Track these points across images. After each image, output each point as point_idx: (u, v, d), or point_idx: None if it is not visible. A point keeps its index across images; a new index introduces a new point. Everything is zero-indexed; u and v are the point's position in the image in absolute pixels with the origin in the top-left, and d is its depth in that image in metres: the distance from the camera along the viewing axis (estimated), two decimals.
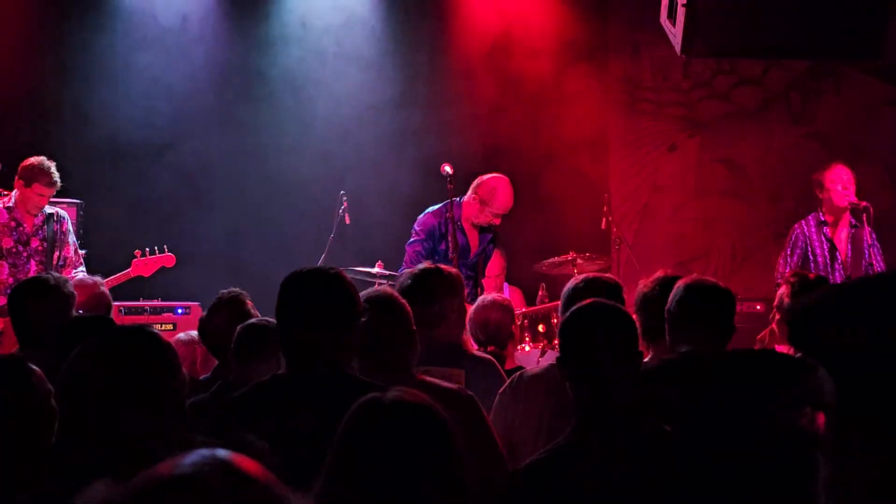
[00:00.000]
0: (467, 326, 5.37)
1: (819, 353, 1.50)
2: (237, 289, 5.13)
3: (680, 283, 4.00)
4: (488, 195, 7.50)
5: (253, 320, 4.56)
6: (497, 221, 7.66)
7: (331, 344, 3.27)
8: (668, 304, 3.95)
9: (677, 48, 7.07)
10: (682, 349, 3.87)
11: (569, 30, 10.40)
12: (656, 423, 3.13)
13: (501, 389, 4.18)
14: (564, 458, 3.04)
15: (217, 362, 5.01)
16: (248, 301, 5.06)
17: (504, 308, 5.57)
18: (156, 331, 2.73)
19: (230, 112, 10.29)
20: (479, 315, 5.51)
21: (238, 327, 4.54)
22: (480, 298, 5.67)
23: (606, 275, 4.41)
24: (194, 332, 6.06)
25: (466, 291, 6.96)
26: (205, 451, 1.41)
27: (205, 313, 5.17)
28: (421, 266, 4.76)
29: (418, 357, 3.94)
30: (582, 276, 4.35)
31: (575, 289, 4.27)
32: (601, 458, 3.01)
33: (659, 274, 4.45)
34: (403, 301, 3.91)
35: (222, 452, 1.41)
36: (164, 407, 2.58)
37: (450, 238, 7.34)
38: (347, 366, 3.30)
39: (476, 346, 5.43)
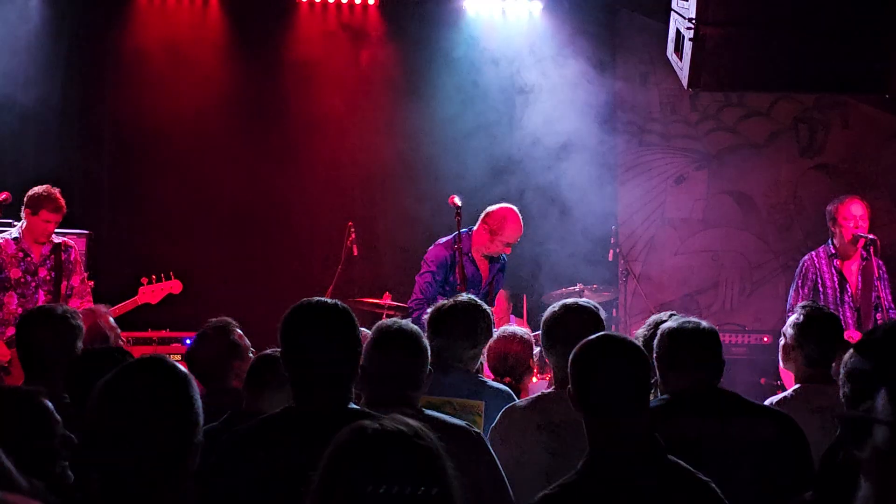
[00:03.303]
0: (485, 354, 5.43)
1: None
2: (225, 317, 5.13)
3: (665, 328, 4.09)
4: (498, 225, 7.52)
5: (268, 351, 4.55)
6: (507, 251, 7.68)
7: (337, 377, 3.26)
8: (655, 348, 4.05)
9: (684, 81, 7.08)
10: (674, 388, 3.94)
11: (577, 62, 10.43)
12: (668, 458, 3.12)
13: (492, 428, 4.16)
14: (577, 492, 3.02)
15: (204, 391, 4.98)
16: (236, 330, 5.05)
17: (525, 342, 5.56)
18: (176, 363, 2.75)
19: (239, 142, 10.33)
20: (499, 346, 5.51)
21: (254, 358, 4.53)
22: (502, 329, 5.67)
23: (583, 300, 4.43)
24: None
25: None
26: None
27: (191, 343, 5.16)
28: (464, 300, 4.79)
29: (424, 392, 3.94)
30: (560, 303, 4.36)
31: (554, 316, 4.28)
32: (613, 492, 2.99)
33: (654, 317, 4.50)
34: (426, 341, 3.89)
35: None
36: (182, 439, 2.61)
37: (458, 270, 7.35)
38: (351, 399, 3.29)
39: (492, 376, 5.46)
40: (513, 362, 5.45)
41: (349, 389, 3.29)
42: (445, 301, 4.81)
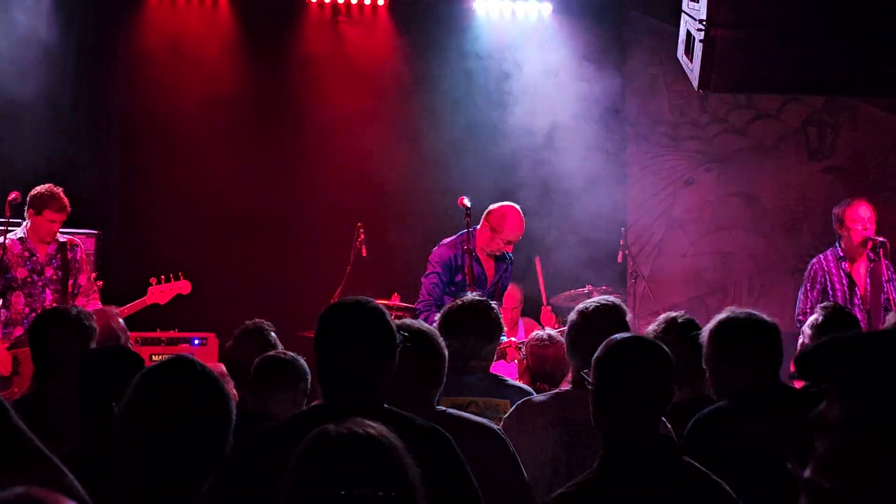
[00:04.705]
0: (527, 360, 5.48)
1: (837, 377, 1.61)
2: (261, 320, 5.16)
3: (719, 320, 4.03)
4: (498, 222, 7.54)
5: (271, 352, 4.57)
6: (508, 249, 7.69)
7: (369, 376, 3.25)
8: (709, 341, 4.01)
9: (694, 83, 7.08)
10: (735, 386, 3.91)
11: (586, 64, 10.42)
12: (684, 458, 3.12)
13: (505, 417, 4.17)
14: (592, 491, 3.03)
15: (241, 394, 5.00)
16: (272, 332, 5.09)
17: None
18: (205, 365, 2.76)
19: (248, 142, 10.33)
20: (560, 353, 5.49)
21: (256, 359, 4.55)
22: (547, 334, 5.67)
23: (610, 298, 4.41)
24: (213, 365, 6.07)
25: None
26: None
27: (230, 344, 5.18)
28: (471, 298, 4.81)
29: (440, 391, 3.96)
30: (586, 304, 4.34)
31: (580, 316, 4.27)
32: (628, 493, 3.00)
33: (666, 316, 4.48)
34: (443, 340, 3.91)
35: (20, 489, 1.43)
36: (220, 442, 2.63)
37: (466, 270, 7.36)
38: (383, 398, 3.28)
39: (509, 374, 5.49)
40: (553, 367, 5.48)
41: (382, 389, 3.28)
42: (454, 302, 4.82)
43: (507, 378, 4.79)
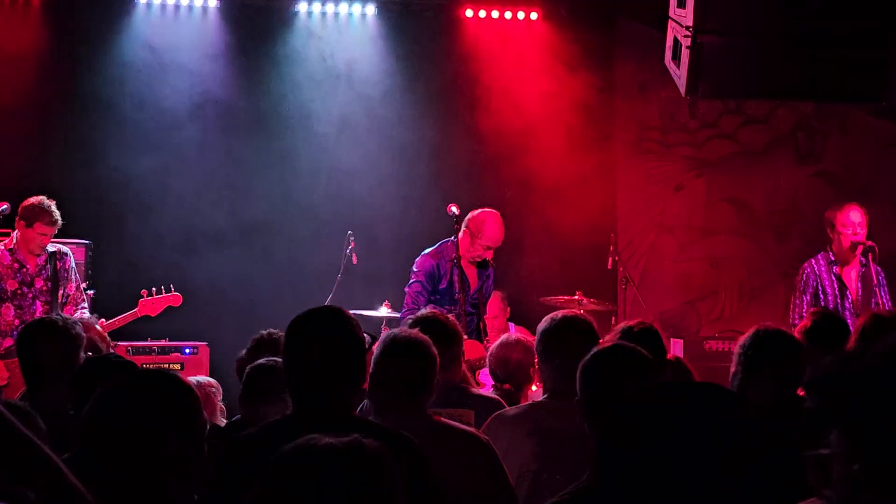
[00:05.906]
0: (486, 361, 5.49)
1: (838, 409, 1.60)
2: (277, 331, 5.17)
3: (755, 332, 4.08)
4: (477, 228, 7.59)
5: (261, 361, 4.55)
6: (488, 255, 7.71)
7: (335, 384, 3.25)
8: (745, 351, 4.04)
9: (682, 89, 7.08)
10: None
11: (575, 70, 10.44)
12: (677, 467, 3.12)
13: (480, 430, 4.18)
14: (584, 501, 3.02)
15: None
16: None
17: (527, 349, 5.59)
18: (178, 374, 2.75)
19: (238, 151, 10.33)
20: (500, 352, 5.55)
21: (247, 368, 4.54)
22: (505, 336, 5.72)
23: (578, 312, 4.46)
24: (202, 378, 6.08)
25: (470, 329, 7.02)
26: None
27: (242, 354, 5.17)
28: (429, 311, 4.85)
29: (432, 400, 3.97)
30: (554, 315, 4.38)
31: (549, 328, 4.30)
32: (622, 499, 3.00)
33: (624, 325, 4.51)
34: (434, 349, 3.93)
35: None
36: (184, 451, 2.60)
37: (456, 279, 7.39)
38: (352, 406, 3.28)
39: (492, 382, 5.51)
40: (514, 369, 5.49)
41: (351, 398, 3.28)
42: (413, 318, 4.85)
43: (473, 390, 4.82)
